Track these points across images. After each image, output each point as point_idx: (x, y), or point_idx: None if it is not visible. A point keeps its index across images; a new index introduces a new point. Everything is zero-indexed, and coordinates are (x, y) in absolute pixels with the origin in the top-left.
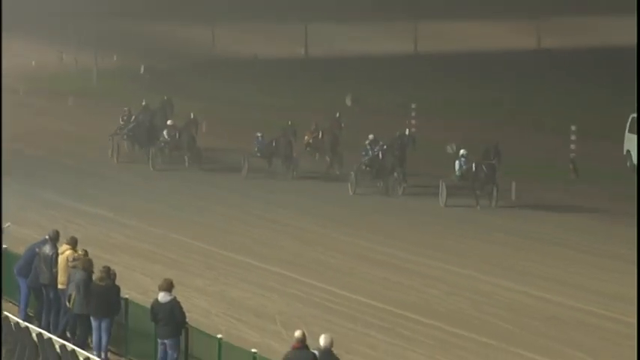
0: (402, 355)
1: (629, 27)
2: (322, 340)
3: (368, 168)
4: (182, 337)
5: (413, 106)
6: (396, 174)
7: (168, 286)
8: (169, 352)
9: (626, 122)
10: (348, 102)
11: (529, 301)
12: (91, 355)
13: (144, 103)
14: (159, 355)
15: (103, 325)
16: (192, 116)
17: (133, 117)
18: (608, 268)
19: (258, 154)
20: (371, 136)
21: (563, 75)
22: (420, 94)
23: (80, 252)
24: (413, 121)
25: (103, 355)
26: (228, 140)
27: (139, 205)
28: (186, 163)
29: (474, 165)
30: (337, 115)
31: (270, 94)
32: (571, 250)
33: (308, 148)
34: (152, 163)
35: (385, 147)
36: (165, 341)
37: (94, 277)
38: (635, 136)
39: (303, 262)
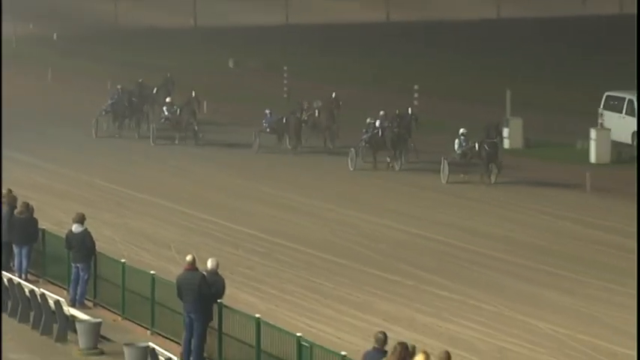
0: (275, 275)
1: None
2: (209, 263)
3: (367, 144)
4: (92, 262)
5: (285, 68)
6: (395, 151)
7: (80, 219)
8: (81, 274)
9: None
10: (231, 64)
11: (381, 229)
12: (13, 277)
13: (140, 80)
14: (72, 276)
15: (24, 251)
16: (193, 94)
17: (115, 95)
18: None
19: (268, 130)
20: (382, 111)
21: (404, 43)
22: (290, 59)
23: (4, 190)
24: (285, 81)
25: (23, 277)
26: None
27: (65, 154)
28: (177, 141)
29: (476, 144)
30: (333, 95)
31: (163, 58)
32: (426, 190)
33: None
34: (152, 138)
35: (386, 124)
36: (78, 265)
37: (15, 211)
38: (611, 113)
39: (200, 202)
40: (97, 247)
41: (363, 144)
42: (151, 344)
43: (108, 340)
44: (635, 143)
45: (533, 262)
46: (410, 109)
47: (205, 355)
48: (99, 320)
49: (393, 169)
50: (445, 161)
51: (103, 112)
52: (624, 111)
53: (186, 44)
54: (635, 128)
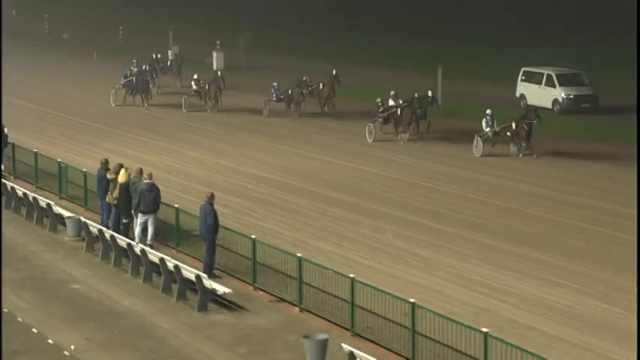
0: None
1: None
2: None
3: (381, 119)
4: None
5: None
6: (410, 127)
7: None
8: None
9: (518, 73)
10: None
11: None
12: None
13: (177, 52)
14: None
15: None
16: (219, 73)
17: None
18: None
19: (274, 99)
20: (393, 91)
21: None
22: None
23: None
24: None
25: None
26: None
27: None
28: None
29: (513, 123)
30: (334, 72)
31: None
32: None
33: (307, 95)
34: (184, 106)
35: (405, 104)
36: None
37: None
38: (530, 84)
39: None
40: None
41: (381, 120)
42: None
43: None
44: (555, 109)
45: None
46: (430, 92)
47: None
48: None
49: (402, 141)
50: (478, 137)
51: (120, 86)
52: (543, 83)
53: None
54: (555, 97)
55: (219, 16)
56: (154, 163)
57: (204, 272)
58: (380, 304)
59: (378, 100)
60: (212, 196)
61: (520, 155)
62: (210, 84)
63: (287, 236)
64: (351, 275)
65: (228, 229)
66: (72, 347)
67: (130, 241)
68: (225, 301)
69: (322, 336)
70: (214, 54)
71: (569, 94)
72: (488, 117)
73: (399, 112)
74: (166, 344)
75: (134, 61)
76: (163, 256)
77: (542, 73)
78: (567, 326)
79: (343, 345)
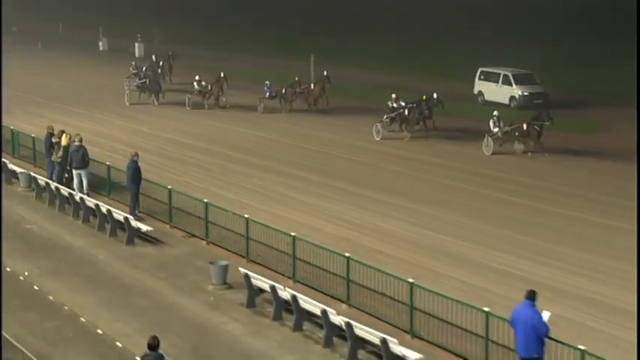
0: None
1: None
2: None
3: (388, 119)
4: None
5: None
6: (417, 127)
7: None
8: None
9: (476, 73)
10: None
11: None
12: None
13: (170, 53)
14: None
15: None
16: (222, 75)
17: (143, 69)
18: None
19: (267, 96)
20: (394, 94)
21: None
22: None
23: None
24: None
25: None
26: None
27: None
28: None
29: (525, 124)
30: (325, 73)
31: None
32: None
33: (300, 93)
34: (188, 104)
35: (413, 105)
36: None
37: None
38: (487, 82)
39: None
40: None
41: (389, 120)
42: None
43: None
44: (512, 104)
45: None
46: (435, 94)
47: None
48: None
49: (405, 138)
50: (489, 137)
51: (135, 88)
52: (500, 82)
53: None
54: (512, 94)
55: (138, 15)
56: (89, 130)
57: (130, 214)
58: (268, 237)
59: (389, 102)
60: (136, 154)
61: (529, 154)
62: (214, 84)
63: (196, 186)
64: (246, 215)
65: (149, 181)
66: (26, 274)
67: (70, 191)
68: (147, 237)
69: (224, 262)
70: (136, 45)
71: (524, 92)
72: (495, 118)
73: (406, 112)
74: (102, 271)
75: (132, 63)
76: (98, 202)
77: (499, 73)
78: (407, 250)
79: (240, 269)
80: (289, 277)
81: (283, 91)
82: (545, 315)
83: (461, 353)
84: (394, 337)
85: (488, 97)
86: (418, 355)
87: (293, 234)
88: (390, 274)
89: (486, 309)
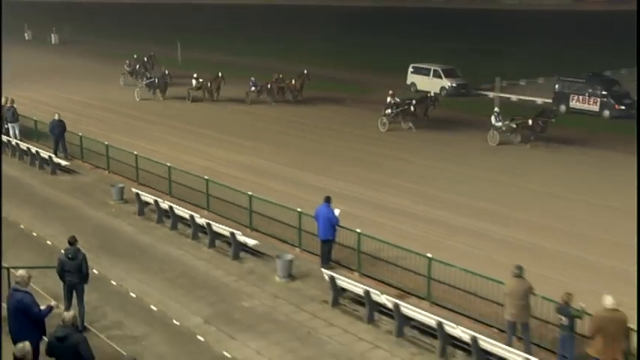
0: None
1: None
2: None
3: (393, 114)
4: None
5: None
6: (418, 119)
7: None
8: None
9: (408, 68)
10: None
11: None
12: None
13: (152, 54)
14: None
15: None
16: (220, 74)
17: (137, 67)
18: None
19: (252, 89)
20: (391, 91)
21: None
22: None
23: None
24: None
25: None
26: None
27: None
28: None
29: (530, 120)
30: (305, 71)
31: None
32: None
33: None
34: (188, 98)
35: (414, 102)
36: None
37: None
38: (419, 76)
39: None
40: None
41: (393, 114)
42: None
43: None
44: (443, 93)
45: None
46: (433, 92)
47: None
48: None
49: (411, 130)
50: (494, 131)
51: (143, 85)
52: (431, 75)
53: None
54: (442, 85)
55: (54, 13)
56: (27, 97)
57: (53, 154)
58: (152, 167)
59: (389, 98)
60: (59, 115)
61: (528, 146)
62: (212, 81)
63: (102, 134)
64: (135, 152)
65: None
66: None
67: (9, 138)
68: (65, 169)
69: (120, 185)
70: (52, 35)
71: (453, 83)
72: (496, 113)
73: (412, 108)
74: (35, 193)
75: (127, 61)
76: (29, 145)
77: (430, 68)
78: (246, 172)
79: (132, 189)
80: (167, 194)
81: (269, 86)
82: (337, 211)
83: (283, 238)
84: (241, 232)
85: (420, 87)
86: (255, 242)
87: (169, 164)
88: (236, 189)
89: (299, 209)
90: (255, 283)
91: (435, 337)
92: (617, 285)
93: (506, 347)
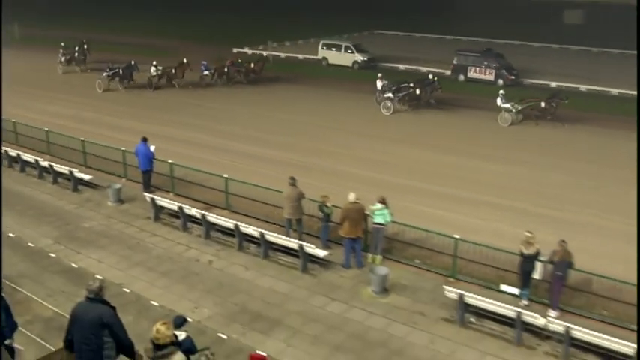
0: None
1: None
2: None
3: (398, 96)
4: None
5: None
6: (422, 102)
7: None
8: None
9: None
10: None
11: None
12: None
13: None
14: None
15: None
16: (184, 60)
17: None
18: None
19: (206, 73)
20: (380, 74)
21: None
22: None
23: None
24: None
25: None
26: None
27: None
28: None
29: (543, 102)
30: (265, 54)
31: None
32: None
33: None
34: (149, 85)
35: (418, 85)
36: None
37: None
38: (330, 51)
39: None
40: None
41: (398, 98)
42: None
43: None
44: (355, 67)
45: None
46: (435, 77)
47: None
48: None
49: (407, 110)
50: (505, 112)
51: (105, 76)
52: (343, 50)
53: None
54: (355, 59)
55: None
56: None
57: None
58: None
59: (379, 82)
60: None
61: (537, 124)
62: (177, 68)
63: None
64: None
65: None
66: None
67: None
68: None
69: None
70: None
71: (364, 58)
72: (501, 95)
73: (417, 91)
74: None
75: (60, 50)
76: None
77: (341, 45)
78: (82, 124)
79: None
80: (15, 144)
81: (225, 69)
82: (152, 147)
83: (112, 172)
84: (78, 170)
85: (332, 61)
86: (90, 177)
87: (14, 120)
88: (73, 137)
89: (123, 148)
90: (92, 208)
91: (233, 236)
92: (355, 185)
93: (285, 237)
